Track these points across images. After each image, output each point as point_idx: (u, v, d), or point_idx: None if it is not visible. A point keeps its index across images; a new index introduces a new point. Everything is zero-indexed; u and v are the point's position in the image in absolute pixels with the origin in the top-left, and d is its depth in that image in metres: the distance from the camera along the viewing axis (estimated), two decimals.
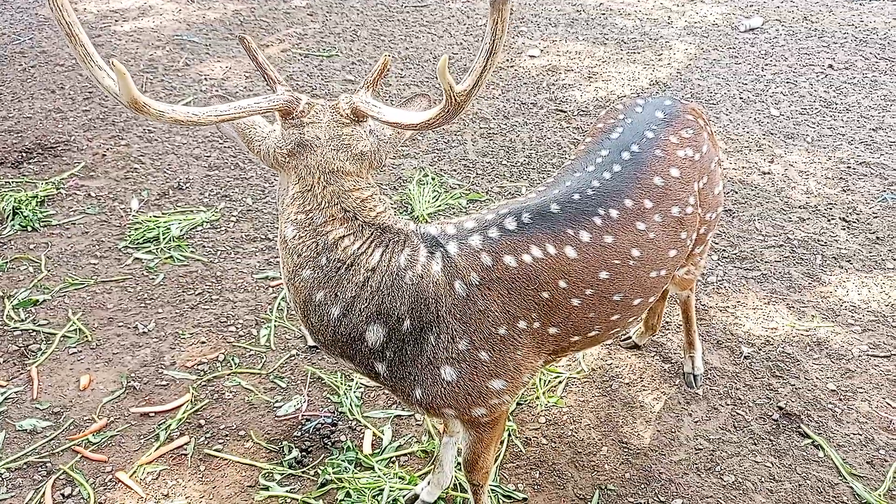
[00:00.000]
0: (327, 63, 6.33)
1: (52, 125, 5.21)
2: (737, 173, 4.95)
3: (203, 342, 3.51)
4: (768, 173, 4.94)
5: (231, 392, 3.26)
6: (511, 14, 7.47)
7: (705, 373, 3.39)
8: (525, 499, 2.82)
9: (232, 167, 4.89)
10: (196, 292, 3.81)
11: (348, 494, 2.79)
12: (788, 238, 4.30)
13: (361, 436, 3.06)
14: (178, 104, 5.44)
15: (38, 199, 4.38)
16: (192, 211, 4.42)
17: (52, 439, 3.00)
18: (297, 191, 1.99)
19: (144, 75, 5.96)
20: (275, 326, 3.61)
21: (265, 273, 3.96)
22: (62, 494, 2.78)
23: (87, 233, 4.20)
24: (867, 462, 2.97)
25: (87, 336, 3.50)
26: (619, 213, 2.22)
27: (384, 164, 2.16)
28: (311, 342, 3.50)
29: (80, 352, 3.42)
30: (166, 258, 4.03)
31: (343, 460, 2.92)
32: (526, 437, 3.07)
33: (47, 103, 5.50)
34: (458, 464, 2.79)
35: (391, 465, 2.94)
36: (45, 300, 3.70)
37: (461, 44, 6.79)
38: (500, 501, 2.80)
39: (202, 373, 3.34)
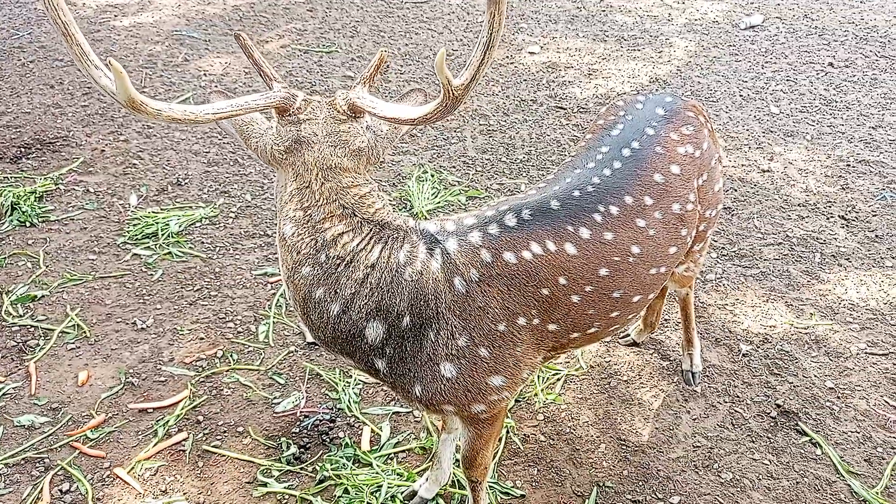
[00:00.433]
0: (327, 59, 6.32)
1: (50, 120, 5.20)
2: (736, 171, 4.94)
3: (201, 338, 3.51)
4: (768, 171, 4.94)
5: (229, 388, 3.26)
6: (511, 10, 7.47)
7: (704, 370, 3.39)
8: (523, 495, 2.82)
9: (231, 163, 4.88)
10: (194, 288, 3.80)
11: (346, 491, 2.79)
12: (787, 236, 4.30)
13: (360, 432, 3.06)
14: (176, 100, 5.46)
15: (37, 195, 4.38)
16: (190, 207, 4.41)
17: (50, 435, 3.00)
18: (294, 188, 1.99)
19: (143, 71, 5.95)
20: (273, 323, 3.61)
21: (264, 269, 3.95)
22: (60, 490, 2.78)
23: (86, 228, 4.20)
24: (865, 460, 2.98)
25: (85, 332, 3.49)
26: (619, 209, 2.21)
27: (382, 160, 2.16)
28: (309, 339, 3.50)
29: (79, 347, 3.42)
30: (165, 254, 4.02)
31: (341, 457, 2.92)
32: (524, 434, 3.07)
33: (46, 98, 5.48)
34: (457, 460, 2.79)
35: (389, 461, 2.94)
36: (43, 296, 3.70)
37: (461, 40, 6.78)
38: (498, 498, 2.80)
39: (200, 369, 3.34)
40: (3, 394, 3.16)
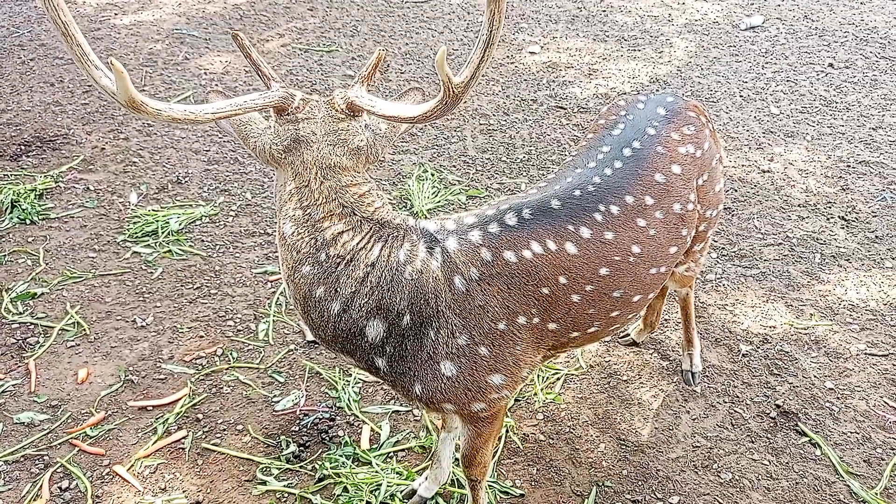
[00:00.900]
0: (327, 58, 6.32)
1: (50, 118, 5.20)
2: (736, 171, 4.94)
3: (201, 336, 3.51)
4: (768, 171, 4.94)
5: (229, 386, 3.26)
6: (511, 10, 7.47)
7: (703, 370, 3.39)
8: (522, 495, 2.82)
9: (231, 162, 4.88)
10: (194, 286, 3.80)
11: (346, 489, 2.79)
12: (787, 236, 4.30)
13: (359, 431, 3.06)
14: (176, 99, 5.46)
15: (37, 192, 4.37)
16: (190, 205, 4.41)
17: (50, 432, 3.00)
18: (294, 187, 1.99)
19: (144, 69, 5.94)
20: (273, 321, 3.61)
21: (264, 268, 3.95)
22: (60, 487, 2.78)
23: (86, 226, 4.19)
24: (864, 460, 2.98)
25: (85, 329, 3.49)
26: (619, 209, 2.22)
27: (381, 159, 2.16)
28: (309, 337, 3.50)
29: (78, 345, 3.42)
30: (165, 252, 4.02)
31: (341, 455, 2.92)
32: (524, 434, 3.07)
33: (46, 96, 5.48)
34: (456, 460, 2.79)
35: (389, 460, 2.94)
36: (43, 293, 3.70)
37: (461, 40, 6.78)
38: (498, 497, 2.80)
39: (200, 367, 3.34)
40: (3, 391, 3.16)
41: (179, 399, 3.17)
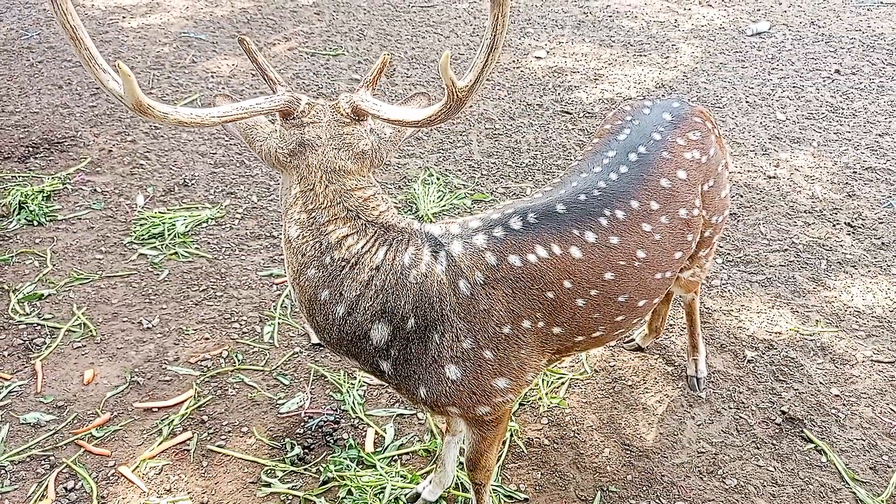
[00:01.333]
0: (333, 62, 6.34)
1: (58, 120, 5.23)
2: (742, 177, 4.94)
3: (207, 338, 3.52)
4: (774, 177, 4.93)
5: (234, 388, 3.27)
6: (517, 15, 7.48)
7: (708, 376, 3.38)
8: (526, 499, 2.81)
9: (237, 164, 4.90)
10: (200, 289, 3.82)
11: (350, 492, 2.79)
12: (793, 242, 4.29)
13: (364, 434, 3.06)
14: (183, 102, 5.48)
15: (45, 194, 4.40)
16: (197, 208, 4.43)
17: (56, 433, 3.01)
18: (299, 190, 2.00)
19: (151, 72, 5.98)
20: (278, 324, 3.62)
21: (269, 270, 3.96)
22: (65, 488, 2.79)
23: (93, 228, 4.22)
24: (870, 467, 2.97)
25: (91, 331, 3.51)
26: (624, 214, 2.22)
27: (386, 163, 2.17)
28: (314, 340, 3.51)
29: (85, 346, 3.43)
30: (171, 254, 4.04)
31: (345, 458, 2.92)
32: (528, 438, 3.07)
33: (54, 99, 5.51)
34: (460, 463, 2.79)
35: (393, 463, 2.94)
36: (50, 294, 3.72)
37: (467, 44, 6.80)
38: (502, 501, 2.80)
39: (205, 369, 3.35)
40: (10, 392, 3.18)
41: (185, 401, 3.18)
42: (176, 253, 4.04)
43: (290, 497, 2.79)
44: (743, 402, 3.26)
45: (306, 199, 1.99)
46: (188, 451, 2.97)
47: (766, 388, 3.34)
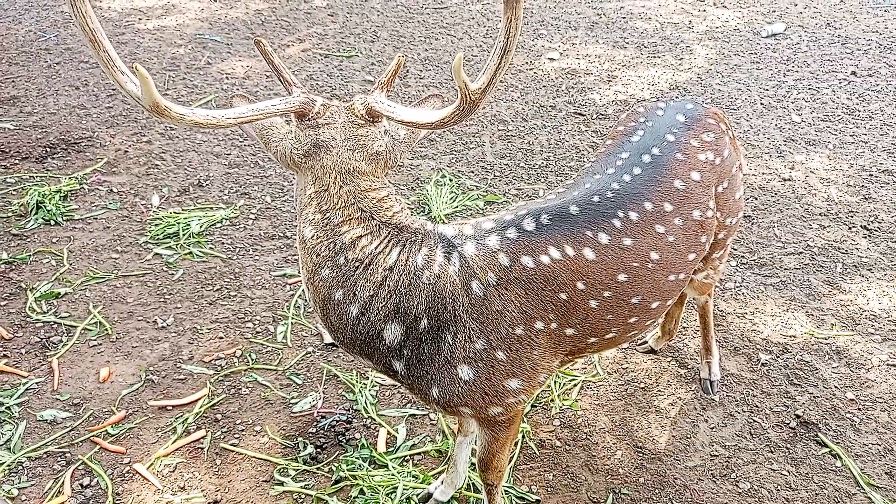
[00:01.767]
0: (347, 63, 6.36)
1: (75, 121, 5.29)
2: (757, 179, 4.91)
3: (221, 337, 3.55)
4: (789, 180, 4.90)
5: (247, 387, 3.29)
6: (531, 17, 7.48)
7: (722, 379, 3.37)
8: (538, 500, 2.81)
9: (251, 165, 4.93)
10: (214, 288, 3.85)
11: (362, 492, 2.80)
12: (808, 245, 4.26)
13: (376, 434, 3.07)
14: (198, 103, 5.53)
15: (62, 194, 4.45)
16: (211, 208, 4.46)
17: (72, 430, 3.05)
18: (313, 191, 2.01)
19: (166, 73, 6.03)
20: (291, 323, 3.64)
21: (283, 270, 3.99)
22: (81, 484, 2.82)
23: (109, 227, 4.26)
24: (886, 473, 2.94)
25: (107, 329, 3.54)
26: (638, 215, 2.21)
27: (399, 164, 2.18)
28: (327, 340, 3.53)
29: (101, 344, 3.47)
30: (186, 254, 4.07)
31: (357, 458, 2.93)
32: (540, 440, 3.07)
33: (71, 99, 5.57)
34: (472, 464, 2.80)
35: (405, 463, 2.95)
36: (66, 293, 3.76)
37: (480, 46, 6.80)
38: (514, 502, 2.80)
39: (219, 368, 3.37)
40: (27, 389, 3.21)
41: (199, 399, 3.21)
42: (190, 253, 4.07)
43: (303, 496, 2.81)
44: (757, 406, 3.24)
45: (321, 199, 2.01)
46: (202, 449, 2.99)
47: (780, 391, 3.31)
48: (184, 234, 4.20)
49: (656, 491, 2.87)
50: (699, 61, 6.62)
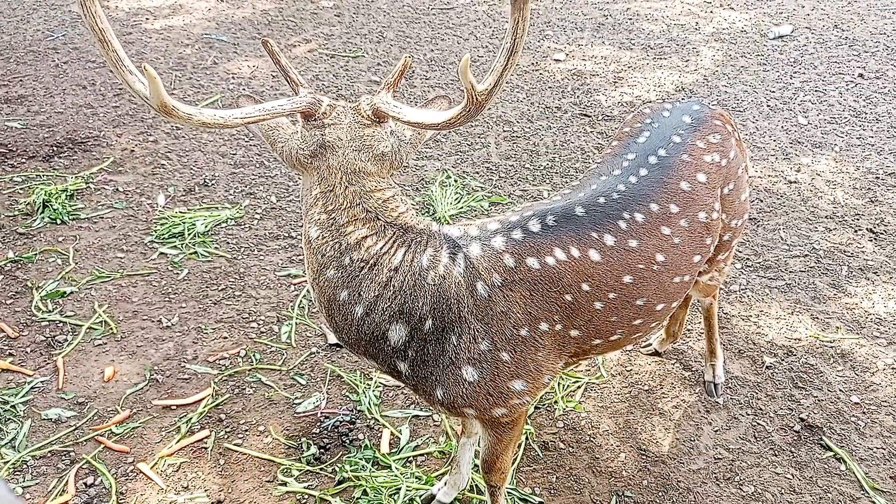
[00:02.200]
0: (353, 64, 6.37)
1: (82, 121, 5.31)
2: (763, 181, 4.90)
3: (225, 337, 3.55)
4: (795, 182, 4.88)
5: (251, 387, 3.29)
6: (537, 18, 7.47)
7: (726, 382, 3.36)
8: (541, 502, 2.81)
9: (257, 165, 4.94)
10: (219, 288, 3.85)
11: (365, 493, 2.80)
12: (814, 248, 4.25)
13: (379, 435, 3.07)
14: (204, 102, 5.54)
15: (68, 193, 4.46)
16: (217, 208, 4.47)
17: (76, 429, 3.06)
18: (319, 191, 2.01)
19: (173, 73, 6.04)
20: (296, 324, 3.64)
21: (287, 270, 3.99)
22: (85, 483, 2.83)
23: (115, 227, 4.27)
24: (890, 477, 2.93)
25: (112, 328, 3.55)
26: (644, 217, 2.21)
27: (405, 165, 2.18)
28: (331, 340, 3.53)
29: (105, 344, 3.48)
30: (191, 254, 4.08)
31: (361, 458, 2.94)
32: (544, 441, 3.07)
33: (78, 99, 5.59)
34: (475, 465, 2.80)
35: (408, 464, 2.95)
36: (72, 292, 3.77)
37: (486, 47, 6.80)
38: None
39: (223, 368, 3.38)
40: (32, 387, 3.23)
41: (203, 399, 3.21)
42: (196, 252, 4.08)
43: (306, 496, 2.81)
44: (761, 409, 3.23)
45: (326, 199, 2.01)
46: (206, 448, 3.00)
47: (784, 394, 3.30)
48: (189, 234, 4.21)
49: (660, 494, 2.86)
50: (706, 63, 6.61)
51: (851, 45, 6.94)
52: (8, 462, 2.88)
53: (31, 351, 3.42)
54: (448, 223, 3.71)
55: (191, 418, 3.11)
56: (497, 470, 2.41)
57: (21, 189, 4.52)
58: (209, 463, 2.94)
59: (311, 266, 2.07)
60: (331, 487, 2.84)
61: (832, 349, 3.55)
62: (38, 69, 6.02)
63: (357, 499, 2.78)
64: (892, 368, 3.44)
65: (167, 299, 3.76)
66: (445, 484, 2.78)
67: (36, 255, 4.00)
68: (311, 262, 2.06)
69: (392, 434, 3.07)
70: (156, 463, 2.92)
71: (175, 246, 4.13)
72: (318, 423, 3.12)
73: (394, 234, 2.05)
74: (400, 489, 2.81)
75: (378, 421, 3.13)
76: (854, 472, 2.94)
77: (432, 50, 6.71)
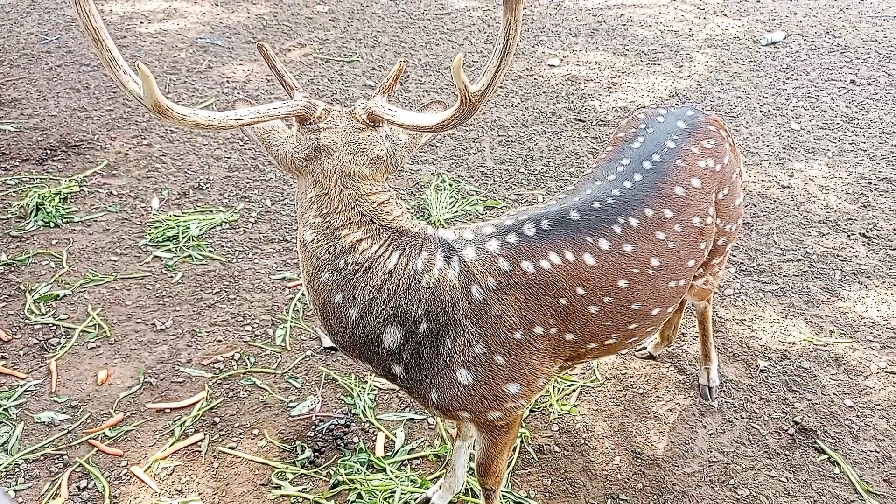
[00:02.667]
0: (348, 68, 6.38)
1: (76, 124, 5.29)
2: (756, 186, 4.92)
3: (219, 341, 3.54)
4: (788, 187, 4.91)
5: (246, 391, 3.28)
6: (531, 23, 7.50)
7: (720, 385, 3.37)
8: None
9: (251, 169, 4.94)
10: (213, 291, 3.84)
11: (360, 496, 2.80)
12: (807, 252, 4.27)
13: (374, 438, 3.07)
14: (199, 106, 5.53)
15: (62, 196, 4.45)
16: (211, 211, 4.46)
17: (70, 432, 3.04)
18: (314, 195, 2.02)
19: (168, 77, 6.04)
20: (290, 327, 3.63)
21: (282, 274, 3.99)
22: (78, 487, 2.81)
23: (108, 230, 4.26)
24: (884, 479, 2.94)
25: (105, 331, 3.54)
26: (638, 221, 2.22)
27: (400, 169, 2.19)
28: (326, 343, 3.53)
29: (99, 347, 3.46)
30: (185, 257, 4.07)
31: (355, 462, 2.93)
32: (539, 445, 3.07)
33: (72, 102, 5.58)
34: (471, 469, 2.79)
35: (403, 467, 2.95)
36: (65, 295, 3.75)
37: (481, 52, 6.82)
38: None
39: (218, 371, 3.37)
40: (25, 391, 3.21)
41: (197, 402, 3.20)
42: (190, 256, 4.08)
43: (301, 499, 2.80)
44: (755, 412, 3.25)
45: (321, 203, 2.01)
46: (200, 452, 2.99)
47: (778, 398, 3.32)
48: (183, 237, 4.20)
49: (654, 497, 2.87)
50: (699, 69, 6.64)
51: (843, 51, 6.99)
52: (0, 465, 2.86)
53: (24, 354, 3.40)
54: (443, 227, 3.72)
55: (185, 421, 3.10)
56: (492, 473, 2.41)
57: (14, 192, 4.51)
58: (203, 466, 2.93)
59: (305, 269, 2.07)
60: (325, 491, 2.83)
61: (826, 353, 3.56)
62: (31, 72, 6.00)
63: (352, 502, 2.78)
64: (886, 372, 3.45)
65: (161, 303, 3.75)
66: (441, 487, 2.78)
67: (29, 258, 3.99)
68: (305, 265, 2.06)
69: (387, 437, 3.07)
70: (149, 466, 2.91)
71: (169, 249, 4.13)
72: (313, 427, 3.12)
73: (389, 237, 2.05)
74: (395, 493, 2.81)
75: (373, 424, 3.13)
76: (848, 475, 2.95)
77: (427, 55, 6.72)
